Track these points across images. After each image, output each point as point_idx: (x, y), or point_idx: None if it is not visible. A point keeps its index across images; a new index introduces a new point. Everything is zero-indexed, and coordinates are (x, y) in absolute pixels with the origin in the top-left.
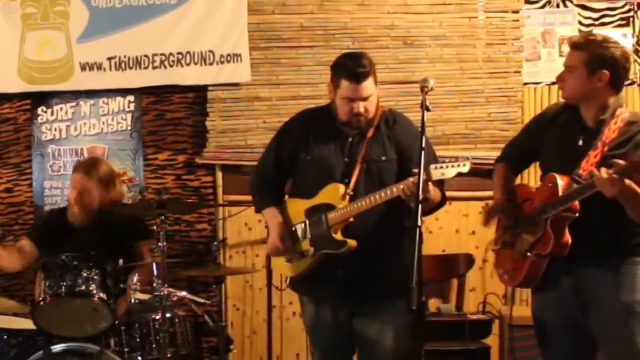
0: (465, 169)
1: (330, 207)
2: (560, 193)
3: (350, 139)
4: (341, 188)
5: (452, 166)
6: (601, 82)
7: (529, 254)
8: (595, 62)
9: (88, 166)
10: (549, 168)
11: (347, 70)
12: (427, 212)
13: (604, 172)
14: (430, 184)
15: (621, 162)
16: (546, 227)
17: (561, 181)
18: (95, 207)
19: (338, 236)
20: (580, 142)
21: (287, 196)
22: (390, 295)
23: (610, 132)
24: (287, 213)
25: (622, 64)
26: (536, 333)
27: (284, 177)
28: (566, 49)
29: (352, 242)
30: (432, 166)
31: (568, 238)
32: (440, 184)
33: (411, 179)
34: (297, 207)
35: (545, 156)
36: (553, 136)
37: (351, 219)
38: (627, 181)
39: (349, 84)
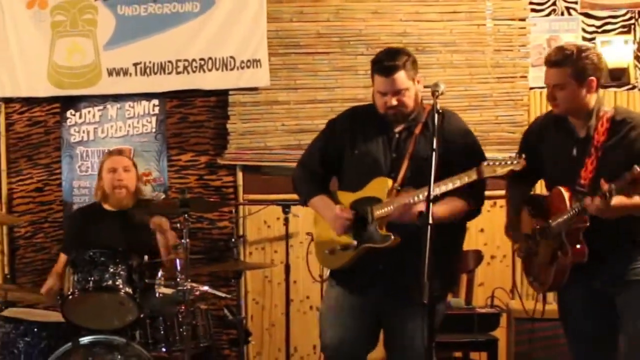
0: (518, 166)
1: (376, 201)
2: (567, 205)
3: (397, 135)
4: (389, 182)
5: (506, 164)
6: (592, 90)
7: (551, 263)
8: (581, 73)
9: (120, 149)
10: (551, 181)
11: (378, 65)
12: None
13: (592, 204)
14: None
15: (605, 185)
16: (562, 238)
17: (566, 194)
18: (134, 189)
19: (382, 231)
20: (575, 152)
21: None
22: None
23: (600, 136)
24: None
25: (601, 66)
26: (563, 325)
27: (329, 174)
28: None
29: (396, 237)
30: (485, 163)
31: (585, 247)
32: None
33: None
34: (343, 200)
35: (545, 170)
36: (547, 150)
37: None
38: (616, 201)
39: (379, 77)
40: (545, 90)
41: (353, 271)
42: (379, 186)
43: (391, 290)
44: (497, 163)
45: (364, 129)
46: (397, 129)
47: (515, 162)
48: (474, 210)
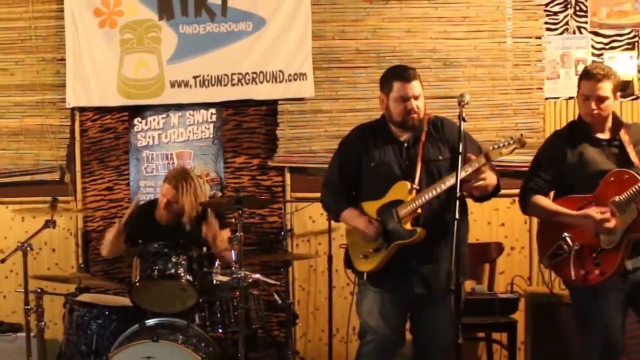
0: (519, 144)
1: (399, 203)
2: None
3: (405, 144)
4: (408, 184)
5: (509, 144)
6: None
7: (619, 247)
8: (616, 88)
9: (178, 180)
10: (584, 179)
11: (397, 74)
12: (486, 197)
13: None
14: (484, 168)
15: None
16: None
17: (629, 171)
18: (182, 212)
19: (408, 226)
20: (608, 153)
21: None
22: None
23: (629, 138)
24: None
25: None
26: (578, 314)
27: (351, 187)
28: (581, 68)
29: (421, 230)
30: (490, 147)
31: None
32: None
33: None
34: (369, 209)
35: (575, 173)
36: (577, 158)
37: (419, 210)
38: None
39: (401, 83)
40: (558, 101)
41: (388, 271)
42: (400, 190)
43: (422, 285)
44: (500, 145)
45: (375, 142)
46: (405, 138)
47: (517, 141)
48: (499, 188)
